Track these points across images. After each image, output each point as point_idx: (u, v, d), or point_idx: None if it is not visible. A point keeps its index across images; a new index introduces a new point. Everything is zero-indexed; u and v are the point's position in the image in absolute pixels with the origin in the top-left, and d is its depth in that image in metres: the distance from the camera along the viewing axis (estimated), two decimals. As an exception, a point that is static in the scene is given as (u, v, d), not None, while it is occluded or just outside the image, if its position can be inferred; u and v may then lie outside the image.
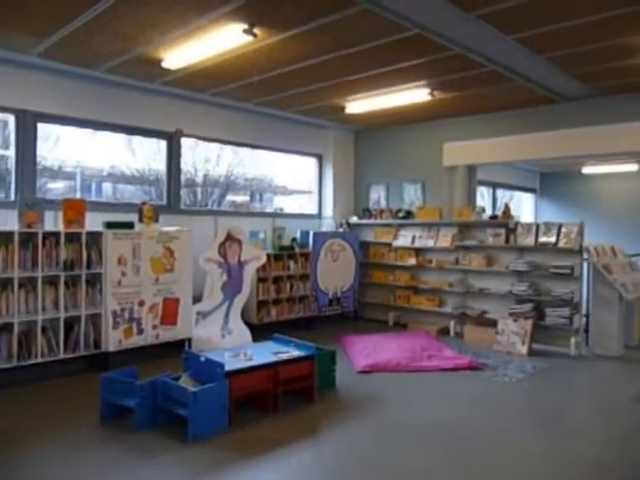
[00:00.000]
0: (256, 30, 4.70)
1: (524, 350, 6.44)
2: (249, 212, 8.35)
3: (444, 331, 7.51)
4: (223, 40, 4.94)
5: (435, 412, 4.54)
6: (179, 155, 7.26)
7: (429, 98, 6.80)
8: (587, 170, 12.24)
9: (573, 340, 6.42)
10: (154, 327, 5.89)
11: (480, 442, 3.91)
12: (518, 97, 6.89)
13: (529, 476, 3.44)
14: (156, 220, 6.13)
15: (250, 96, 7.15)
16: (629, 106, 6.66)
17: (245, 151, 8.45)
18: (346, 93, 6.91)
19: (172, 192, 7.20)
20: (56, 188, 6.82)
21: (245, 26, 4.64)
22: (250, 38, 4.79)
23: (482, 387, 5.23)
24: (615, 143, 6.86)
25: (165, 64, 5.68)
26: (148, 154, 7.42)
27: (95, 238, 5.56)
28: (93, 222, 5.64)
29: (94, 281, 5.53)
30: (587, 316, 6.74)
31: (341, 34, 4.86)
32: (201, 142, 7.75)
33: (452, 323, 7.47)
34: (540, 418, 4.47)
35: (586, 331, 6.70)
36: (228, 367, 4.15)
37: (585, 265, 6.62)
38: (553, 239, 6.66)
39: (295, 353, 4.70)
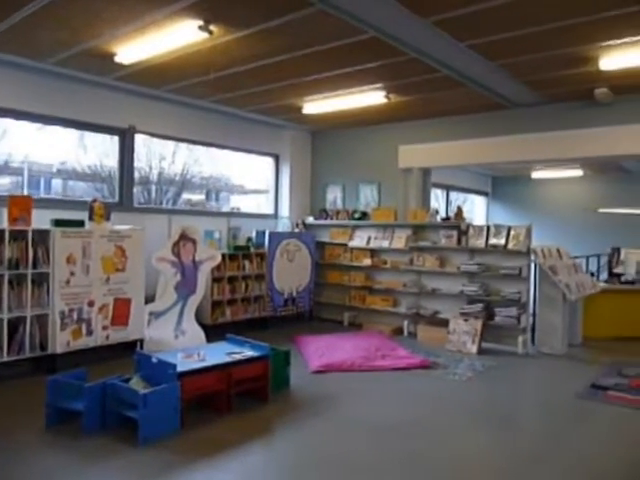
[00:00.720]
0: (212, 27, 4.65)
1: (474, 349, 6.62)
2: (204, 211, 8.25)
3: (398, 331, 7.63)
4: (178, 36, 4.87)
5: (387, 410, 4.61)
6: (132, 152, 7.10)
7: (385, 101, 6.89)
8: (536, 175, 12.70)
9: (520, 339, 6.64)
10: (104, 328, 5.74)
11: (429, 439, 4.00)
12: (471, 102, 7.07)
13: (474, 470, 3.54)
14: (107, 218, 5.97)
15: (206, 94, 7.07)
16: (575, 113, 6.94)
17: (201, 149, 8.35)
18: (303, 93, 6.92)
19: (125, 190, 7.04)
20: (1, 184, 6.55)
21: (201, 23, 4.58)
22: (206, 35, 4.74)
23: (433, 385, 5.34)
24: (561, 149, 7.14)
25: (118, 59, 5.54)
26: (101, 150, 7.23)
27: (42, 236, 5.37)
28: (41, 219, 5.45)
29: (41, 281, 5.34)
30: (534, 315, 6.97)
31: (297, 34, 4.87)
32: (155, 139, 7.61)
33: (406, 323, 7.59)
34: (487, 414, 4.61)
35: (533, 330, 6.94)
36: (180, 368, 4.09)
37: (532, 266, 6.85)
38: (503, 241, 6.87)
39: (249, 353, 4.68)
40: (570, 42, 4.93)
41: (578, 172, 12.01)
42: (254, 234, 8.00)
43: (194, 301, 6.54)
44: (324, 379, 5.46)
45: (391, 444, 3.89)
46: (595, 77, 5.86)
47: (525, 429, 4.42)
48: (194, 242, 6.49)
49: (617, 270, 8.67)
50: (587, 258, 9.51)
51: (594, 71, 5.60)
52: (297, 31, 4.78)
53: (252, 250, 7.74)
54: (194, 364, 4.32)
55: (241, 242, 7.81)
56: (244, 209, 8.82)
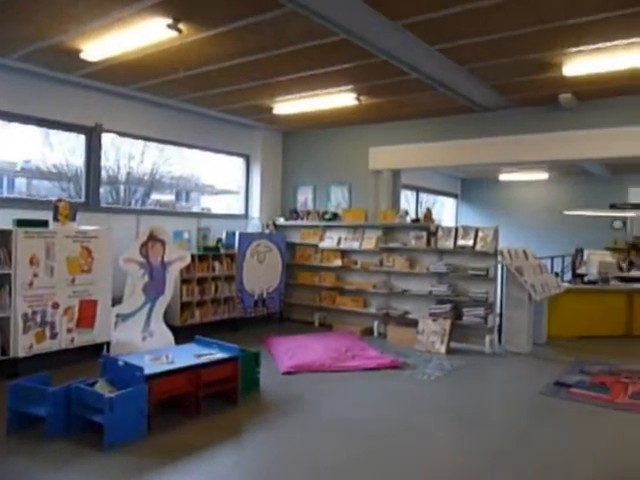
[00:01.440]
0: (181, 26, 4.59)
1: (443, 349, 6.70)
2: (173, 211, 8.16)
3: (368, 331, 7.67)
4: (146, 34, 4.80)
5: (357, 411, 4.63)
6: (99, 151, 6.96)
7: (356, 103, 6.93)
8: (503, 177, 12.94)
9: (488, 338, 6.75)
10: (69, 330, 5.61)
11: (399, 438, 4.03)
12: (441, 105, 7.16)
13: (442, 467, 3.58)
14: (73, 218, 5.84)
15: (176, 93, 6.98)
16: (540, 118, 7.10)
17: (171, 149, 8.25)
18: (274, 94, 6.90)
19: (91, 189, 6.89)
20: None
21: (169, 21, 4.53)
22: (175, 33, 4.68)
23: (403, 385, 5.39)
24: (528, 152, 7.29)
25: (84, 55, 5.42)
26: (67, 149, 7.07)
27: (4, 237, 5.22)
28: (3, 220, 5.30)
29: (2, 282, 5.18)
30: (501, 315, 7.10)
31: (268, 35, 4.86)
32: (124, 138, 7.48)
33: (376, 323, 7.64)
34: (455, 413, 4.68)
35: (500, 329, 7.06)
36: (148, 371, 4.03)
37: (499, 267, 6.98)
38: (471, 242, 6.98)
39: (218, 355, 4.64)
40: (535, 48, 5.04)
41: (544, 175, 12.30)
42: (224, 235, 7.93)
43: (162, 302, 6.45)
44: (294, 380, 5.45)
45: (361, 444, 3.91)
46: (559, 83, 6.00)
47: (491, 426, 4.49)
48: (163, 243, 6.40)
49: (580, 271, 8.89)
50: (552, 259, 9.74)
51: (558, 77, 5.73)
52: (268, 31, 4.77)
53: (222, 251, 7.67)
54: (162, 366, 4.26)
55: (211, 243, 7.74)
56: (214, 210, 8.75)
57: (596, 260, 8.52)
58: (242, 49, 5.23)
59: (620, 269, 9.27)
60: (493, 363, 6.39)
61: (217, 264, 7.54)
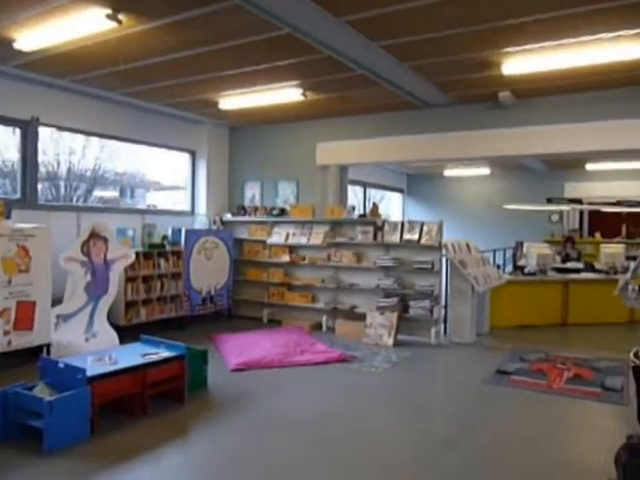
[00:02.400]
0: (121, 17, 4.47)
1: (390, 341, 6.83)
2: (116, 208, 7.91)
3: (317, 326, 7.71)
4: (84, 24, 4.63)
5: (306, 405, 4.65)
6: (36, 145, 6.67)
7: (302, 98, 6.93)
8: (448, 173, 13.27)
9: (433, 330, 6.93)
10: (6, 333, 5.35)
11: (347, 431, 4.09)
12: (386, 101, 7.26)
13: (390, 457, 3.66)
14: (8, 216, 5.58)
15: (117, 85, 6.77)
16: (482, 115, 7.31)
17: (115, 144, 7.99)
18: (219, 88, 6.81)
19: (28, 185, 6.60)
20: None
21: (108, 11, 4.39)
22: (114, 24, 4.54)
23: (351, 378, 5.46)
24: (470, 148, 7.51)
25: (17, 45, 5.17)
26: (1, 143, 6.73)
27: None
28: None
29: None
30: (445, 307, 7.30)
31: (213, 28, 4.79)
32: (64, 132, 7.20)
33: (324, 318, 7.69)
34: (402, 403, 4.78)
35: (445, 321, 7.27)
36: (90, 372, 3.92)
37: (444, 260, 7.16)
38: (416, 236, 7.13)
39: (164, 354, 4.55)
40: (475, 47, 5.19)
41: (486, 170, 12.70)
42: (170, 232, 7.78)
43: (106, 302, 6.26)
44: (243, 377, 5.42)
45: (310, 439, 3.94)
46: (499, 81, 6.21)
47: (436, 415, 4.63)
48: (105, 240, 6.21)
49: (521, 263, 9.25)
50: (494, 252, 10.08)
51: (497, 75, 5.93)
52: (211, 25, 4.70)
53: (168, 248, 7.52)
54: (105, 367, 4.15)
55: (156, 240, 7.57)
56: (161, 206, 8.56)
57: (535, 252, 8.87)
58: (184, 42, 5.14)
59: (561, 260, 9.72)
60: (438, 354, 6.56)
61: (163, 261, 7.39)
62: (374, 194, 13.47)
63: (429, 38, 4.96)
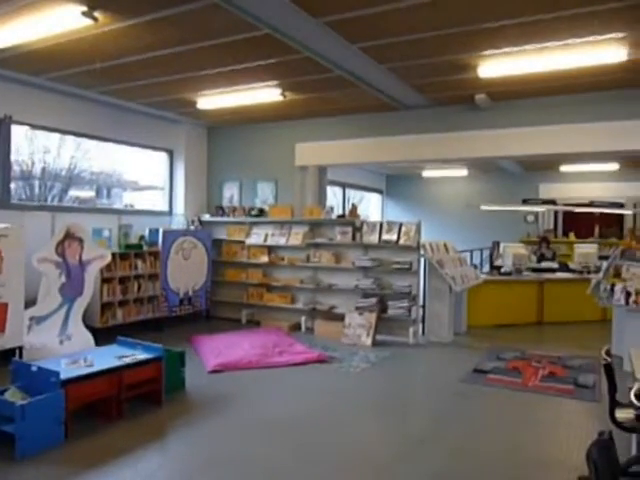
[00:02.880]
0: (97, 14, 4.40)
1: (369, 341, 6.85)
2: (92, 208, 7.80)
3: (296, 327, 7.71)
4: (59, 21, 4.54)
5: (284, 406, 4.65)
6: (8, 143, 6.53)
7: (281, 98, 6.92)
8: (426, 174, 13.38)
9: (411, 330, 6.98)
10: (-23, 336, 5.24)
11: (325, 431, 4.09)
12: (364, 102, 7.29)
13: (368, 456, 3.67)
14: (-21, 216, 5.46)
15: (93, 84, 6.67)
16: (459, 117, 7.39)
17: (91, 143, 7.87)
18: (197, 88, 6.76)
19: (0, 185, 6.46)
20: None
21: (84, 8, 4.32)
22: (90, 22, 4.47)
23: (330, 379, 5.47)
24: (447, 150, 7.58)
25: (-11, 42, 5.07)
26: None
27: None
28: None
29: None
30: (423, 307, 7.36)
31: (190, 27, 4.75)
32: (38, 131, 7.06)
33: (303, 319, 7.69)
34: (380, 403, 4.81)
35: (423, 321, 7.32)
36: (64, 375, 3.85)
37: (422, 260, 7.22)
38: (394, 237, 7.17)
39: (141, 356, 4.50)
40: (452, 50, 5.24)
41: (464, 172, 12.83)
42: (147, 232, 7.69)
43: (81, 303, 6.16)
44: (221, 378, 5.39)
45: (288, 440, 3.94)
46: (475, 83, 6.28)
47: (414, 414, 4.66)
48: (80, 241, 6.11)
49: (497, 263, 9.37)
50: (471, 252, 10.21)
51: (474, 78, 5.99)
52: (189, 23, 4.66)
53: (145, 248, 7.44)
54: (80, 370, 4.08)
55: (133, 240, 7.48)
56: (138, 206, 8.45)
57: (511, 252, 9.00)
58: (162, 41, 5.08)
59: (536, 260, 9.88)
60: (416, 353, 6.61)
61: (140, 262, 7.31)
62: (353, 195, 13.52)
63: (406, 40, 5.00)
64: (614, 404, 2.98)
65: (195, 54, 5.41)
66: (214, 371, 5.56)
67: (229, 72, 6.02)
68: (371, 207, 14.67)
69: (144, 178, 9.20)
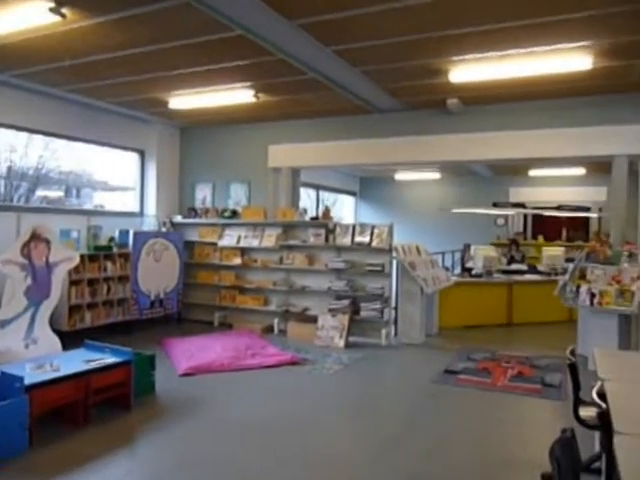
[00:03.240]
0: (65, 11, 4.32)
1: (341, 343, 6.87)
2: (60, 209, 7.64)
3: (269, 329, 7.68)
4: (26, 17, 4.45)
5: (256, 408, 4.62)
6: (-28, 142, 6.36)
7: (254, 100, 6.90)
8: (399, 176, 13.49)
9: (384, 331, 7.02)
10: (-63, 340, 5.08)
11: (298, 433, 4.08)
12: (338, 105, 7.32)
13: (339, 458, 3.67)
14: (-60, 216, 5.29)
15: (61, 82, 6.54)
16: (431, 121, 7.48)
17: (60, 142, 7.70)
18: (169, 88, 6.70)
19: (-37, 184, 6.29)
20: None
21: (51, 5, 4.24)
22: (58, 18, 4.39)
23: (302, 381, 5.46)
24: (420, 153, 7.67)
25: (-49, 36, 4.93)
26: None
27: None
28: None
29: None
30: (396, 309, 7.41)
31: (161, 26, 4.71)
32: (3, 129, 6.89)
33: (276, 321, 7.67)
34: (352, 404, 4.83)
35: (395, 322, 7.37)
36: (29, 380, 3.76)
37: (394, 263, 7.27)
38: (367, 239, 7.21)
39: (109, 360, 4.42)
40: (424, 55, 5.31)
41: (436, 175, 12.99)
42: (117, 233, 7.57)
43: (48, 306, 6.01)
44: (192, 382, 5.34)
45: (260, 441, 3.92)
46: (447, 88, 6.37)
47: (386, 415, 4.68)
48: (47, 242, 5.97)
49: (468, 265, 9.50)
50: (443, 254, 10.33)
51: (445, 83, 6.08)
52: (160, 23, 4.62)
53: (115, 250, 7.32)
54: (45, 375, 3.99)
55: (103, 242, 7.35)
56: (109, 207, 8.31)
57: (481, 255, 9.14)
58: (132, 40, 5.02)
59: (506, 262, 10.04)
60: (389, 355, 6.65)
61: (109, 264, 7.18)
62: (327, 197, 13.55)
63: (379, 44, 5.04)
64: (578, 402, 3.05)
65: (166, 54, 5.36)
66: (185, 374, 5.50)
67: (202, 72, 5.98)
68: (345, 209, 14.73)
69: (115, 178, 9.05)
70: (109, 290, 7.18)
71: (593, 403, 2.67)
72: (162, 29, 4.76)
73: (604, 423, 2.24)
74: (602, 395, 2.52)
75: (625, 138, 6.45)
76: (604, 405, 2.42)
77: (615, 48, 5.00)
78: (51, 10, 4.29)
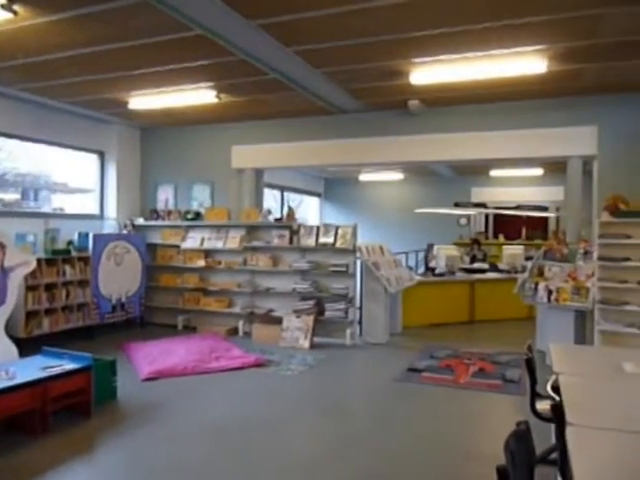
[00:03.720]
0: (17, 7, 4.19)
1: (306, 344, 6.88)
2: (15, 212, 7.40)
3: (233, 331, 7.62)
4: (-25, 13, 4.30)
5: (221, 412, 4.58)
6: None
7: (216, 100, 6.83)
8: (363, 177, 13.59)
9: (348, 331, 7.06)
10: None
11: (263, 435, 4.07)
12: (301, 106, 7.32)
13: (302, 458, 3.68)
14: None
15: (14, 80, 6.33)
16: (393, 122, 7.55)
17: (17, 143, 7.46)
18: (129, 88, 6.57)
19: None
20: None
21: (3, 1, 4.11)
22: (10, 15, 4.26)
23: (267, 382, 5.44)
24: (382, 154, 7.73)
25: None
26: None
27: None
28: None
29: None
30: (360, 309, 7.46)
31: (120, 25, 4.62)
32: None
33: (241, 323, 7.62)
34: (316, 405, 4.83)
35: (360, 322, 7.42)
36: (-18, 389, 3.64)
37: (358, 263, 7.32)
38: (331, 240, 7.24)
39: (68, 366, 4.31)
40: (384, 56, 5.36)
41: (399, 175, 13.14)
42: (76, 236, 7.38)
43: (3, 313, 5.80)
44: (155, 386, 5.25)
45: (225, 446, 3.88)
46: (407, 90, 6.44)
47: (349, 414, 4.71)
48: (2, 246, 5.78)
49: (432, 264, 9.64)
50: (407, 254, 10.45)
51: (406, 84, 6.14)
52: (117, 21, 4.52)
53: (74, 254, 7.14)
54: (0, 383, 3.86)
55: (61, 245, 7.16)
56: (69, 210, 8.10)
57: (444, 254, 9.30)
58: (91, 38, 4.90)
59: (468, 261, 10.24)
60: (353, 354, 6.69)
61: (68, 268, 7.00)
62: (293, 198, 13.54)
63: (339, 46, 5.06)
64: (534, 396, 3.13)
65: (126, 53, 5.26)
66: (148, 379, 5.41)
67: (162, 72, 5.89)
68: (310, 210, 14.75)
69: (74, 180, 8.83)
70: (68, 295, 6.99)
71: (549, 396, 2.74)
72: (120, 28, 4.67)
73: (557, 415, 2.31)
74: (557, 388, 2.59)
75: (579, 140, 6.66)
76: (557, 398, 2.50)
77: (569, 52, 5.16)
78: (2, 7, 4.16)
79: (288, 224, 7.57)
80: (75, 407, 4.32)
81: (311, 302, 7.21)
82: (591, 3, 4.10)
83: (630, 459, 1.82)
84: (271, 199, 12.20)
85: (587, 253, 6.37)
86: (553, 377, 2.81)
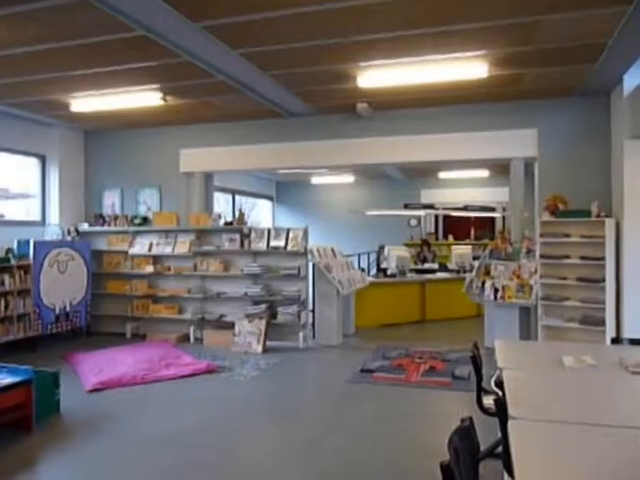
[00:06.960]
0: (-57, 4, 3.98)
1: (259, 348, 6.82)
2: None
3: (184, 338, 7.48)
4: None
5: (171, 420, 4.48)
6: None
7: (162, 103, 6.70)
8: (315, 180, 13.63)
9: (301, 334, 7.05)
10: None
11: (216, 442, 4.00)
12: (250, 109, 7.26)
13: (259, 465, 3.63)
14: None
15: (-55, 82, 6.03)
16: (342, 125, 7.60)
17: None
18: (70, 89, 6.35)
19: None
20: None
21: None
22: (-64, 13, 4.04)
23: (219, 389, 5.36)
24: (332, 157, 7.77)
25: None
26: None
27: None
28: None
29: None
30: (313, 311, 7.46)
31: (57, 24, 4.45)
32: None
33: (192, 329, 7.49)
34: (269, 409, 4.80)
35: (313, 325, 7.42)
36: None
37: (310, 265, 7.32)
38: (282, 243, 7.21)
39: (5, 380, 4.11)
40: (331, 60, 5.38)
41: (350, 178, 13.24)
42: (15, 244, 7.07)
43: None
44: (102, 397, 5.08)
45: (174, 454, 3.79)
46: (356, 93, 6.49)
47: (304, 418, 4.70)
48: None
49: (383, 265, 9.76)
50: (359, 255, 10.54)
51: (354, 88, 6.19)
52: (52, 20, 4.35)
53: (13, 262, 6.82)
54: None
55: (-1, 254, 6.85)
56: (10, 216, 7.73)
57: (395, 255, 9.42)
58: (25, 37, 4.71)
59: (419, 262, 10.42)
60: (307, 357, 6.69)
61: (7, 277, 6.69)
62: (245, 201, 13.42)
63: (286, 49, 5.05)
64: (481, 392, 3.20)
65: (64, 53, 5.08)
66: (94, 390, 5.23)
67: (104, 73, 5.72)
68: (263, 214, 14.66)
69: (14, 185, 8.44)
70: (7, 305, 6.68)
71: (494, 392, 2.81)
72: (57, 27, 4.49)
73: (500, 409, 2.36)
74: (501, 383, 2.66)
75: (520, 142, 6.89)
76: (500, 393, 2.56)
77: (508, 58, 5.33)
78: None
79: (238, 228, 7.49)
80: (15, 423, 4.11)
81: (263, 306, 7.16)
82: (525, 11, 4.25)
83: (569, 449, 1.88)
84: (223, 203, 12.05)
85: (530, 251, 6.60)
86: (497, 372, 2.89)
